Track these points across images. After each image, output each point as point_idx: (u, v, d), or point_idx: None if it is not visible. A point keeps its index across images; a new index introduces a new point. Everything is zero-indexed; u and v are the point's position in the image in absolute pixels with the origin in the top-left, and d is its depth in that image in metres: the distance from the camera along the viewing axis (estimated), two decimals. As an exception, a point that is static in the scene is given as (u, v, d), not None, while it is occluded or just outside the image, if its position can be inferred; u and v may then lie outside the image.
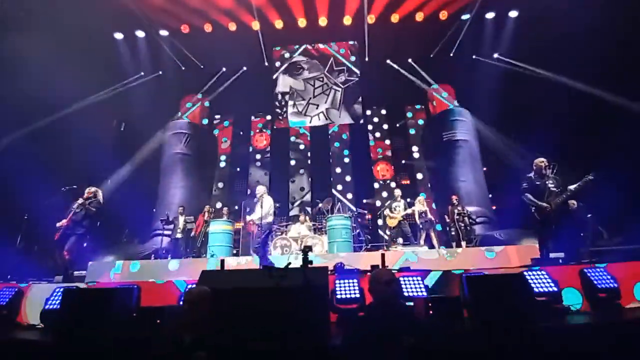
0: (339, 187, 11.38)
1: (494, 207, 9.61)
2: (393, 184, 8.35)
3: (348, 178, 11.53)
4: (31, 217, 6.18)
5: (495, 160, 10.09)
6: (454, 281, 3.68)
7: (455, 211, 7.80)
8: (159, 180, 10.34)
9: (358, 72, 12.36)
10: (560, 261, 4.73)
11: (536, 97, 9.09)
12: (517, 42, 9.71)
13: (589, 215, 6.51)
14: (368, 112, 12.33)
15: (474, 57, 10.69)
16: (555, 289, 3.31)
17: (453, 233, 7.78)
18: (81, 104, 9.46)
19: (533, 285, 3.28)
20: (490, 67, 10.34)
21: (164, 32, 10.30)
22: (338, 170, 11.66)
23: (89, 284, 4.52)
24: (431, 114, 11.75)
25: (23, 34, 7.52)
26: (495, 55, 10.43)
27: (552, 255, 4.79)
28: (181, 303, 2.77)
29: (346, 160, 11.83)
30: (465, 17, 9.93)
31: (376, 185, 11.44)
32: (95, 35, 9.20)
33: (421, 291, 3.50)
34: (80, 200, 5.29)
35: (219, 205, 10.97)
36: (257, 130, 12.57)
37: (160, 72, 11.40)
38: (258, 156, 12.17)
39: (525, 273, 3.36)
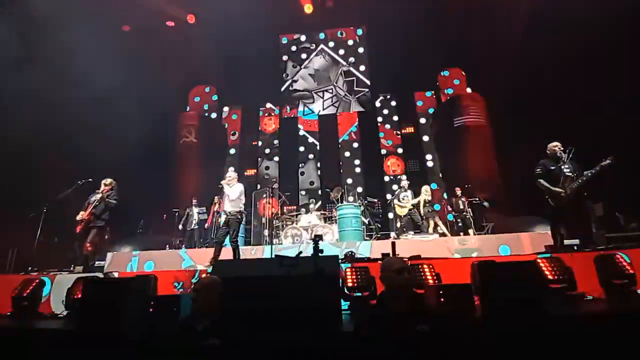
0: (349, 180, 11.33)
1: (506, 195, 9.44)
2: (404, 177, 8.25)
3: (358, 170, 11.44)
4: (50, 209, 6.36)
5: (509, 145, 9.84)
6: (465, 269, 3.67)
7: (460, 202, 7.82)
8: (170, 171, 10.48)
9: (367, 58, 12.15)
10: (575, 248, 4.64)
11: (550, 80, 8.73)
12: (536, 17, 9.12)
13: (599, 203, 6.31)
14: (377, 102, 12.12)
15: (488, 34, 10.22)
16: (570, 276, 3.27)
17: (460, 224, 7.79)
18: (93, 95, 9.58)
19: (547, 272, 3.24)
20: (504, 47, 9.86)
21: (170, 24, 10.26)
22: (347, 157, 11.59)
23: (108, 274, 4.69)
24: (441, 100, 11.50)
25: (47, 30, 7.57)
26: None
27: (566, 242, 4.70)
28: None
29: (355, 145, 11.71)
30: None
31: (386, 179, 11.27)
32: (106, 26, 9.22)
33: (432, 279, 3.50)
34: (100, 195, 5.42)
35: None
36: (266, 115, 12.51)
37: (169, 63, 11.41)
38: (267, 146, 12.16)
39: (538, 260, 3.32)
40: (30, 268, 5.62)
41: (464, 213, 7.71)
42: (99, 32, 9.01)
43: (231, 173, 5.62)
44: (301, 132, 11.96)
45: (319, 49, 12.52)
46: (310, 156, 11.71)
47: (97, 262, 5.79)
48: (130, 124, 10.05)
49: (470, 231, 7.45)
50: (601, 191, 6.05)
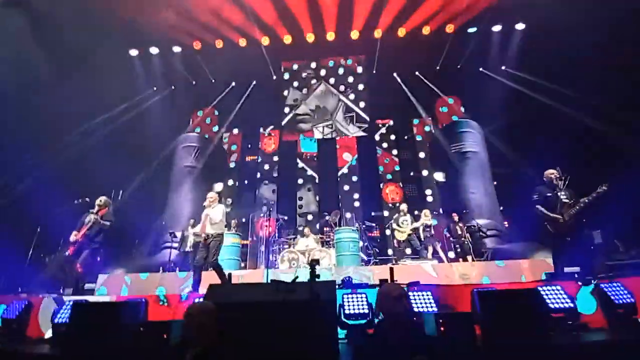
0: (347, 199, 11.31)
1: (505, 222, 9.44)
2: (404, 205, 8.22)
3: (356, 195, 11.43)
4: (43, 229, 6.27)
5: (506, 172, 9.96)
6: (465, 296, 3.59)
7: (457, 227, 7.79)
8: (168, 193, 10.46)
9: (365, 86, 12.51)
10: (576, 276, 4.58)
11: (545, 109, 9.03)
12: (524, 55, 9.76)
13: (598, 231, 6.32)
14: (376, 125, 12.34)
15: (480, 69, 10.75)
16: (572, 304, 3.20)
17: (459, 250, 7.73)
18: (96, 119, 9.77)
19: (548, 301, 3.17)
20: (497, 79, 10.37)
21: (176, 49, 10.63)
22: (345, 182, 11.62)
23: (99, 297, 4.55)
24: (439, 126, 11.75)
25: (41, 53, 7.82)
26: (503, 68, 10.47)
27: (566, 269, 4.64)
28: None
29: (354, 174, 11.77)
30: (471, 30, 10.04)
31: (386, 212, 10.99)
32: (111, 51, 9.54)
33: (431, 306, 3.41)
34: (94, 217, 5.32)
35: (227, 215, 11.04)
36: (266, 135, 12.64)
37: (173, 87, 11.75)
38: (266, 167, 12.21)
39: (539, 288, 3.26)
40: (19, 289, 5.46)
41: (462, 239, 7.67)
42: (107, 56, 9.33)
43: (212, 194, 5.48)
44: (300, 165, 12.02)
45: (320, 75, 12.90)
46: (309, 183, 11.73)
47: (88, 285, 5.63)
48: (130, 144, 10.20)
49: (469, 257, 7.36)
50: (599, 219, 6.07)
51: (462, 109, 11.79)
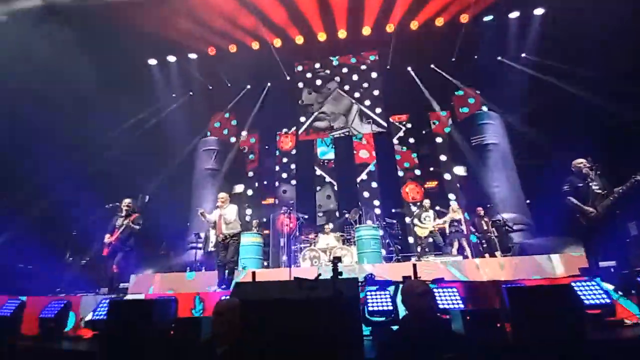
0: (366, 195, 11.24)
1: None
2: (427, 201, 8.01)
3: (375, 191, 11.34)
4: (78, 233, 6.63)
5: (530, 164, 9.58)
6: (492, 293, 3.51)
7: (483, 222, 7.54)
8: (191, 195, 10.78)
9: (380, 81, 12.37)
10: (612, 270, 4.35)
11: (570, 96, 8.61)
12: (545, 40, 9.31)
13: (633, 223, 5.95)
14: (392, 121, 12.19)
15: (499, 58, 10.38)
16: (608, 300, 3.05)
17: (485, 245, 7.47)
18: (121, 125, 10.22)
19: (582, 296, 3.04)
20: (517, 67, 9.98)
21: (192, 56, 10.92)
22: (364, 180, 11.54)
23: (132, 295, 4.77)
24: (457, 119, 11.46)
25: (71, 68, 8.25)
26: (523, 55, 10.05)
27: (601, 264, 4.42)
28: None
29: (372, 169, 11.68)
30: (487, 18, 9.71)
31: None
32: (131, 61, 9.94)
33: (457, 303, 3.35)
34: (125, 220, 5.60)
35: (247, 218, 11.25)
36: (283, 133, 12.78)
37: (191, 93, 12.09)
38: (285, 166, 12.33)
39: (573, 284, 3.13)
40: (58, 290, 5.81)
41: (489, 234, 7.40)
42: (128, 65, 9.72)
43: (222, 194, 5.61)
44: (317, 154, 12.08)
45: (334, 73, 12.87)
46: (327, 182, 11.74)
47: (121, 284, 5.91)
48: (154, 150, 10.59)
49: (497, 253, 7.12)
50: (634, 210, 5.72)
51: (481, 100, 11.43)
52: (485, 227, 7.48)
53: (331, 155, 12.05)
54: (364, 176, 11.57)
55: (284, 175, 12.23)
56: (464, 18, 9.76)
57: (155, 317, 2.83)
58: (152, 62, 10.93)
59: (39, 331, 4.04)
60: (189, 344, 2.75)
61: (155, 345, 2.77)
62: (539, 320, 2.43)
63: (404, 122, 12.18)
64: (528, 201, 9.15)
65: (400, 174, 11.46)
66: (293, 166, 12.28)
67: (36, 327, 4.10)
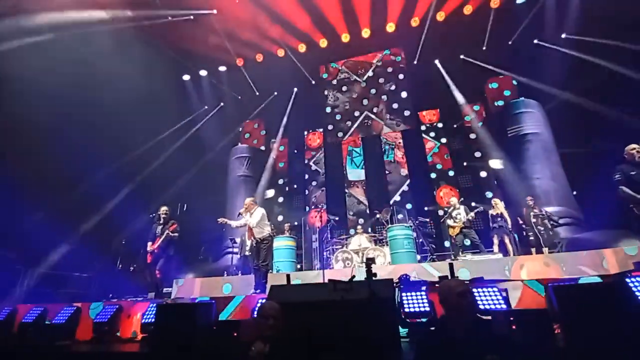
0: (397, 197, 11.04)
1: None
2: (454, 199, 7.65)
3: (406, 188, 11.11)
4: (127, 242, 7.15)
5: (576, 152, 8.87)
6: (538, 292, 3.32)
7: (532, 214, 7.00)
8: (226, 201, 11.20)
9: (407, 78, 12.13)
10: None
11: (618, 76, 7.89)
12: (588, 17, 8.58)
13: None
14: (421, 117, 11.89)
15: (535, 41, 9.77)
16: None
17: (532, 238, 6.95)
18: (159, 140, 10.91)
19: (639, 293, 2.79)
20: (556, 49, 9.31)
21: (222, 68, 11.41)
22: (394, 178, 11.35)
23: (176, 299, 5.05)
24: (490, 111, 10.92)
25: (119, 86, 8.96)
26: (563, 36, 9.38)
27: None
28: (254, 316, 2.96)
29: (403, 168, 11.46)
30: (520, 0, 9.20)
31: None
32: (166, 78, 10.60)
33: (500, 304, 3.20)
34: (166, 231, 5.95)
35: (280, 220, 11.50)
36: (310, 130, 12.98)
37: (222, 104, 12.63)
38: (313, 167, 12.46)
39: (627, 280, 2.88)
40: (110, 295, 6.28)
41: (538, 226, 6.86)
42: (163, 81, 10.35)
43: (247, 200, 5.74)
44: (346, 155, 12.09)
45: (360, 73, 12.83)
46: (357, 183, 11.68)
47: (165, 289, 6.28)
48: (190, 158, 11.17)
49: (544, 249, 6.65)
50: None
51: (517, 89, 10.81)
52: (534, 220, 6.93)
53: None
54: (394, 174, 11.38)
55: (314, 180, 12.34)
56: (494, 3, 9.33)
57: (198, 320, 2.99)
58: (186, 77, 11.58)
59: (93, 335, 4.32)
60: (231, 345, 2.87)
61: (200, 345, 2.93)
62: (591, 320, 2.26)
63: (433, 118, 11.83)
64: (575, 193, 8.49)
65: (433, 175, 11.12)
66: (322, 170, 12.36)
67: (90, 331, 4.38)
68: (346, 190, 11.63)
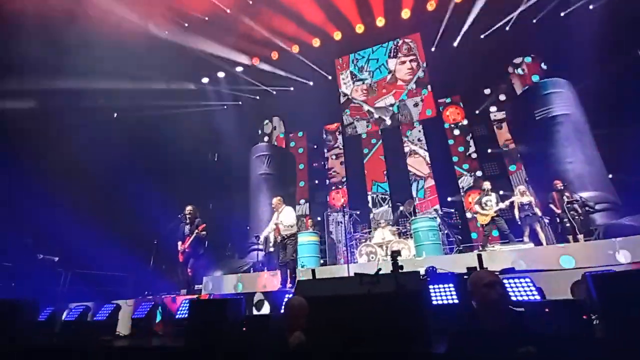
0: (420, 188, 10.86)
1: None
2: (487, 184, 7.27)
3: (429, 179, 10.90)
4: (159, 241, 7.46)
5: (611, 133, 8.29)
6: (575, 282, 3.18)
7: (564, 198, 6.62)
8: (249, 200, 11.44)
9: (425, 65, 11.81)
10: None
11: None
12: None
13: None
14: (442, 105, 11.57)
15: (562, 14, 9.18)
16: None
17: (567, 225, 6.56)
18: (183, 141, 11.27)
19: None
20: (585, 24, 8.66)
21: (239, 69, 11.59)
22: (415, 169, 11.16)
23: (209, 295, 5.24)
24: (516, 93, 10.43)
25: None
26: (591, 7, 8.74)
27: None
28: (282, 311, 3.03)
29: (424, 158, 11.24)
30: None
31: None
32: (188, 80, 10.94)
33: (533, 295, 3.10)
34: (193, 228, 6.17)
35: (302, 213, 11.64)
36: (329, 125, 13.10)
37: (240, 103, 12.85)
38: (332, 165, 12.47)
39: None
40: (146, 292, 6.60)
41: (572, 212, 6.50)
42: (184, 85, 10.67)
43: (275, 199, 5.93)
44: (365, 148, 12.01)
45: (376, 64, 12.64)
46: (378, 175, 11.60)
47: (196, 286, 6.53)
48: (212, 159, 11.46)
49: (580, 237, 6.29)
50: None
51: (544, 68, 10.24)
52: (567, 204, 6.55)
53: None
54: (416, 165, 11.18)
55: (333, 175, 12.36)
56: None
57: (228, 314, 3.10)
58: (205, 80, 11.85)
59: (132, 330, 4.59)
60: (260, 338, 2.96)
61: (231, 339, 3.04)
62: (632, 310, 2.15)
63: (455, 103, 11.48)
64: (610, 176, 7.98)
65: (455, 158, 10.83)
66: (343, 166, 12.35)
67: (129, 326, 4.66)
68: (369, 183, 11.56)
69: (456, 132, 11.13)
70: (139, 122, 8.92)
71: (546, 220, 7.08)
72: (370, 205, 11.28)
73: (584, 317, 2.68)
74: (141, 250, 7.27)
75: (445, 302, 3.28)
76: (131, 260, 7.83)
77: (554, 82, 8.90)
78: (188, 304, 3.87)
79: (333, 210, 10.34)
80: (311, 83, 12.55)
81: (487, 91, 11.09)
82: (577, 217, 6.42)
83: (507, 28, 9.93)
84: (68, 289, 6.84)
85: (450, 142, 11.12)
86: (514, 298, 3.07)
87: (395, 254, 2.50)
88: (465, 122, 11.20)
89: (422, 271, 4.26)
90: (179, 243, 6.24)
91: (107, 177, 8.16)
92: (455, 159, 10.88)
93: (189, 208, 6.43)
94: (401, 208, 8.62)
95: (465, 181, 10.58)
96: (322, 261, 8.52)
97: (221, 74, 11.75)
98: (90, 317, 4.91)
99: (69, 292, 6.73)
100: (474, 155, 10.70)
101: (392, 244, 7.25)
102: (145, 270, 7.88)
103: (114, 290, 7.79)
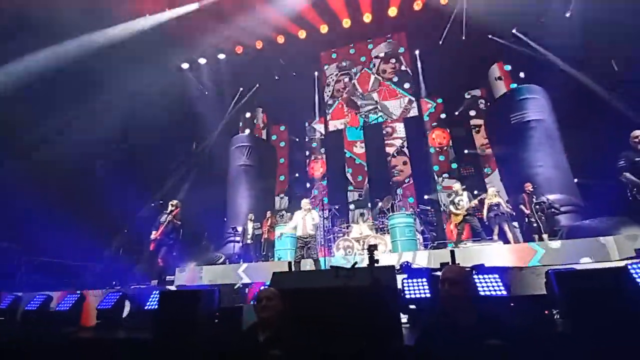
0: (399, 189, 11.03)
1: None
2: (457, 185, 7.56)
3: (407, 177, 11.09)
4: (129, 230, 7.19)
5: (579, 140, 8.74)
6: (538, 279, 3.33)
7: (533, 199, 7.01)
8: (226, 191, 11.21)
9: (408, 64, 11.95)
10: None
11: (626, 60, 7.71)
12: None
13: None
14: (423, 104, 11.76)
15: (541, 21, 9.47)
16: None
17: (534, 225, 6.95)
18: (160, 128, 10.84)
19: (640, 281, 2.79)
20: (561, 28, 8.95)
21: (221, 56, 11.22)
22: (396, 166, 11.31)
23: (179, 287, 5.10)
24: (494, 97, 10.77)
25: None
26: (567, 15, 9.04)
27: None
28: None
29: (403, 156, 11.41)
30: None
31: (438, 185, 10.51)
32: (167, 67, 10.48)
33: (500, 290, 3.22)
34: (169, 217, 5.99)
35: (283, 207, 11.55)
36: (311, 119, 13.03)
37: (222, 91, 12.48)
38: (314, 160, 12.43)
39: (629, 266, 2.88)
40: (114, 283, 6.35)
41: (539, 213, 6.87)
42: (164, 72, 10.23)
43: (304, 202, 6.03)
44: (347, 143, 12.03)
45: (360, 60, 12.64)
46: (358, 170, 11.67)
47: (168, 277, 6.34)
48: (189, 148, 11.09)
49: (544, 236, 6.67)
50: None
51: (522, 74, 10.61)
52: (536, 206, 6.94)
53: (360, 136, 11.91)
54: (395, 162, 11.34)
55: (316, 172, 12.33)
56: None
57: (200, 307, 3.01)
58: (185, 65, 11.38)
59: (97, 322, 4.37)
60: (233, 331, 2.91)
61: (202, 331, 2.96)
62: (592, 306, 2.27)
63: (435, 104, 11.70)
64: (576, 180, 8.45)
65: (437, 170, 11.05)
66: (323, 157, 12.33)
67: (94, 318, 4.43)
68: (347, 177, 11.62)
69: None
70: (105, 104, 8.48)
71: (515, 223, 7.41)
72: (349, 200, 11.36)
73: (546, 312, 2.82)
74: (109, 239, 6.97)
75: (418, 295, 3.35)
76: (99, 249, 7.50)
77: (530, 88, 9.28)
78: (158, 295, 3.73)
79: (313, 205, 10.32)
80: (294, 74, 12.39)
81: (467, 95, 11.38)
82: (543, 218, 6.79)
83: (490, 37, 10.17)
84: (27, 277, 6.46)
85: (432, 150, 11.28)
86: (482, 293, 3.17)
87: (372, 248, 2.51)
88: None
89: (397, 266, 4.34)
90: (153, 232, 6.03)
91: (74, 161, 7.72)
92: (436, 168, 11.08)
93: (175, 201, 6.29)
94: (380, 204, 8.74)
95: (444, 182, 10.85)
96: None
97: (202, 61, 11.35)
98: (53, 307, 4.66)
99: (28, 281, 6.36)
100: (454, 165, 10.93)
101: (369, 239, 7.34)
102: (114, 260, 7.58)
103: (80, 281, 7.44)
